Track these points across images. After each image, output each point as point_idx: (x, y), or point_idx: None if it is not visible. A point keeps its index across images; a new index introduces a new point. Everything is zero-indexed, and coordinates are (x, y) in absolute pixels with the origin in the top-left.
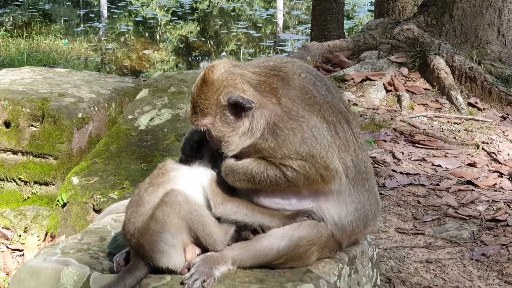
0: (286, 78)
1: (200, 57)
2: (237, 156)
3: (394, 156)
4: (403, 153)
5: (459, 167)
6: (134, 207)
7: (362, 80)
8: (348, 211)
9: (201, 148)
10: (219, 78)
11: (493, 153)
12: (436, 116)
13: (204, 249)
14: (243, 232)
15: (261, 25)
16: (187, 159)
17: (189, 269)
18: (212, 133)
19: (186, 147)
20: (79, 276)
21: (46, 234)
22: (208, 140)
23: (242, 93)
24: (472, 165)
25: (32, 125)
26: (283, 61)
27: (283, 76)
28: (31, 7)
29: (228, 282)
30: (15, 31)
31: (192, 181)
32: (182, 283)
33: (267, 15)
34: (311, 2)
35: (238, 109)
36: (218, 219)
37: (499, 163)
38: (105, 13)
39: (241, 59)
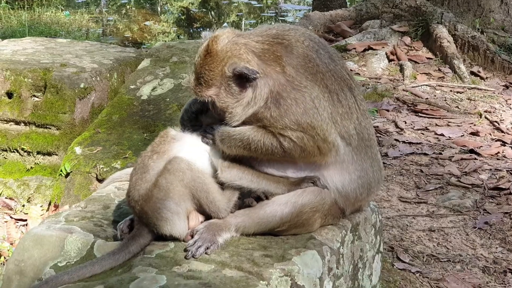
0: (289, 46)
1: (201, 29)
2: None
3: (396, 126)
4: (405, 123)
5: (461, 136)
6: (139, 174)
7: (364, 50)
8: (352, 178)
9: (199, 119)
10: (223, 48)
11: (496, 122)
12: (439, 85)
13: (208, 217)
14: (246, 199)
15: None
16: (185, 130)
17: (192, 236)
18: (216, 104)
19: (185, 118)
20: (83, 243)
21: (49, 204)
22: (209, 111)
23: (247, 63)
24: (475, 134)
25: (34, 96)
26: (285, 29)
27: (287, 44)
28: None
29: (231, 249)
30: (16, 3)
31: (195, 149)
32: (185, 250)
33: None
34: None
35: (243, 80)
36: (222, 185)
37: (502, 131)
38: None
39: (243, 30)
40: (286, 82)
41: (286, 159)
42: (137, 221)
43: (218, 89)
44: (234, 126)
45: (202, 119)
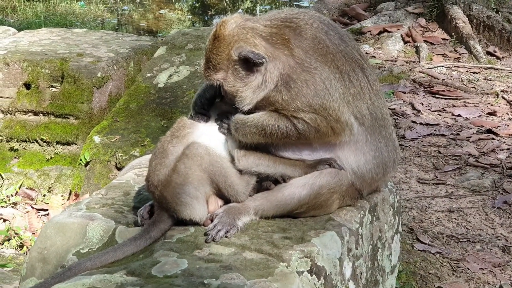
0: (298, 28)
1: (216, 16)
2: (249, 112)
3: (413, 107)
4: (422, 104)
5: (479, 116)
6: (158, 159)
7: (380, 32)
8: (367, 159)
9: (211, 106)
10: (230, 33)
11: None
12: (455, 66)
13: (227, 201)
14: (264, 182)
15: None
16: (196, 115)
17: (212, 220)
18: (225, 88)
19: (198, 103)
20: (105, 230)
21: (70, 193)
22: (223, 96)
23: (253, 47)
24: (492, 113)
25: (52, 86)
26: (294, 12)
27: (295, 27)
28: None
29: (251, 232)
30: None
31: (213, 134)
32: (205, 234)
33: None
34: None
35: (249, 64)
36: (240, 172)
37: None
38: None
39: (257, 15)
40: (296, 65)
41: (301, 141)
42: (157, 207)
43: (225, 73)
44: (247, 112)
45: (218, 105)
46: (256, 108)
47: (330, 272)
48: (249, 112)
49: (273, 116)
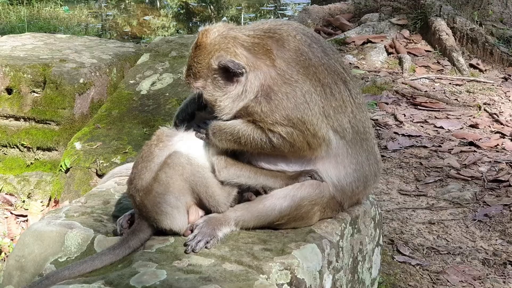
0: (281, 40)
1: (200, 22)
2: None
3: (396, 118)
4: (405, 115)
5: (461, 128)
6: (144, 162)
7: (363, 43)
8: (347, 172)
9: (192, 121)
10: (212, 41)
11: (495, 114)
12: (438, 78)
13: (207, 211)
14: (245, 193)
15: None
16: (178, 129)
17: (192, 231)
18: (204, 96)
19: (179, 117)
20: (83, 238)
21: (49, 200)
22: (207, 107)
23: (233, 57)
24: (474, 126)
25: (33, 91)
26: (278, 23)
27: (278, 38)
28: None
29: (231, 243)
30: None
31: (194, 144)
32: (185, 245)
33: None
34: None
35: (229, 73)
36: (222, 182)
37: (501, 124)
38: None
39: (242, 23)
40: (277, 76)
41: (276, 153)
42: (137, 216)
43: (205, 81)
44: (226, 120)
45: (201, 115)
46: (235, 117)
47: (310, 285)
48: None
49: (249, 126)
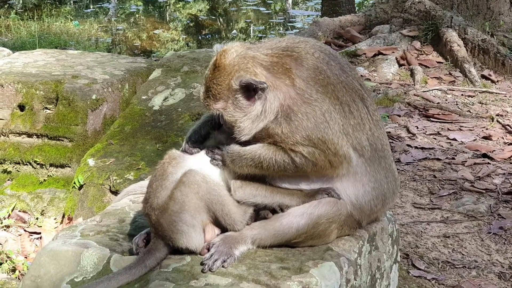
0: (299, 58)
1: (210, 36)
2: (245, 143)
3: (408, 131)
4: (417, 128)
5: (474, 140)
6: (159, 181)
7: (375, 55)
8: (366, 190)
9: (205, 143)
10: (231, 62)
11: (508, 125)
12: (450, 90)
13: (223, 229)
14: (262, 211)
15: (270, 1)
16: (189, 150)
17: (208, 249)
18: (225, 118)
19: (192, 139)
20: (99, 258)
21: (63, 217)
22: (221, 127)
23: (253, 76)
24: (487, 137)
25: (46, 108)
26: (295, 41)
27: (296, 56)
28: None
29: (248, 262)
30: (26, 14)
31: (208, 161)
32: (202, 264)
33: None
34: None
35: (250, 92)
36: (238, 201)
37: None
38: None
39: (251, 36)
40: (296, 95)
41: (299, 174)
42: (153, 235)
43: (225, 103)
44: (244, 143)
45: (215, 135)
46: (254, 138)
47: None
48: (245, 143)
49: (270, 149)
